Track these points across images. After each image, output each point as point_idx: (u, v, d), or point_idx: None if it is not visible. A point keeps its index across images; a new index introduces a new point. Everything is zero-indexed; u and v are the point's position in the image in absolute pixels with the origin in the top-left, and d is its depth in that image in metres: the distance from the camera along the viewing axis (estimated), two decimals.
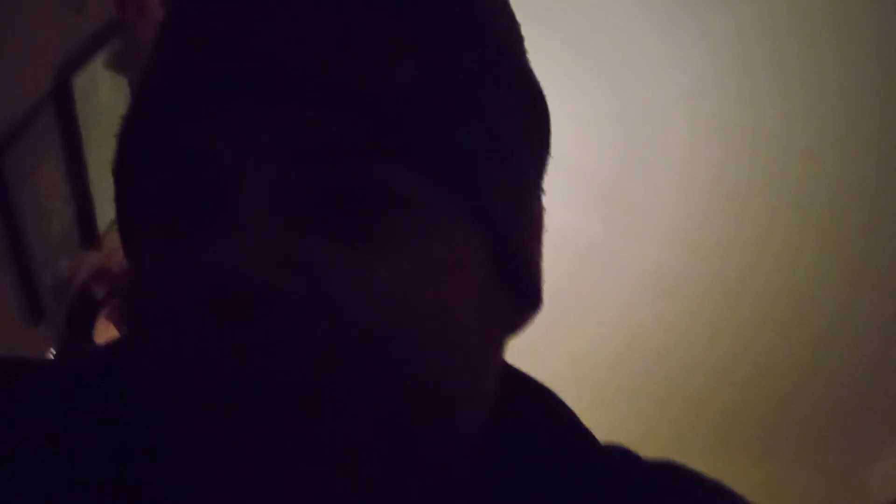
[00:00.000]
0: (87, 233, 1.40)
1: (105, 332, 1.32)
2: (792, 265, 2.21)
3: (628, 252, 2.25)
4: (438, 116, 0.33)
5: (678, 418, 2.37)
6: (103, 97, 1.37)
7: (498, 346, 0.39)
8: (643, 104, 2.10)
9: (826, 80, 1.99)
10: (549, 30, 1.96)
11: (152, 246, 0.34)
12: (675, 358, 2.35)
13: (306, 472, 0.31)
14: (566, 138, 1.96)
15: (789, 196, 2.15)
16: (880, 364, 2.31)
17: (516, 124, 0.37)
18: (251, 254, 0.30)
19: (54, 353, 1.29)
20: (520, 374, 0.44)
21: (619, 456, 0.44)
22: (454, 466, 0.38)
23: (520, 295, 0.39)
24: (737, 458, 2.18)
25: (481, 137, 0.35)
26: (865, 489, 2.37)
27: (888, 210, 2.11)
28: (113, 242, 1.46)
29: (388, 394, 0.32)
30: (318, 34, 0.32)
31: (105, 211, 1.41)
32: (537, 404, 0.44)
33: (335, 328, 0.31)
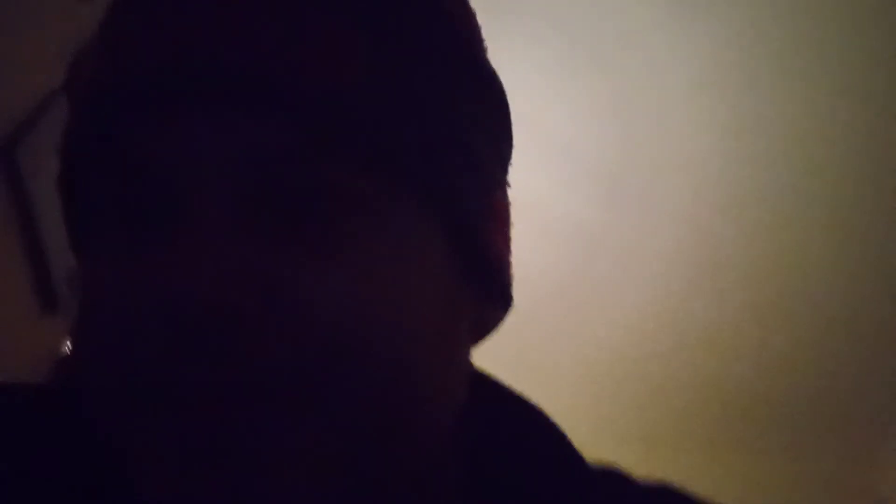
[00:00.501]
0: None
1: None
2: (797, 248, 2.24)
3: (634, 240, 2.27)
4: (391, 112, 0.32)
5: (685, 407, 2.39)
6: None
7: (465, 344, 0.38)
8: (646, 94, 2.10)
9: (828, 70, 2.02)
10: (552, 21, 2.00)
11: (105, 256, 0.33)
12: (682, 346, 2.37)
13: (275, 480, 0.30)
14: (570, 129, 2.02)
15: (794, 185, 2.17)
16: (885, 357, 2.31)
17: (474, 116, 0.36)
18: (205, 269, 0.29)
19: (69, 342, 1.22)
20: (508, 392, 0.43)
21: (613, 478, 0.43)
22: (431, 474, 0.37)
23: (488, 291, 0.38)
24: (741, 451, 2.31)
25: (437, 131, 0.34)
26: (869, 485, 2.40)
27: (891, 198, 2.13)
28: None
29: (354, 397, 0.31)
30: (264, 35, 0.31)
31: None
32: (528, 425, 0.43)
33: (296, 337, 0.30)
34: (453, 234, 0.35)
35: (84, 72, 0.35)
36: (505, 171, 0.40)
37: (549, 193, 2.10)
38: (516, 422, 0.42)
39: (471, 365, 0.39)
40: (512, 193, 0.41)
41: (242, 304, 0.30)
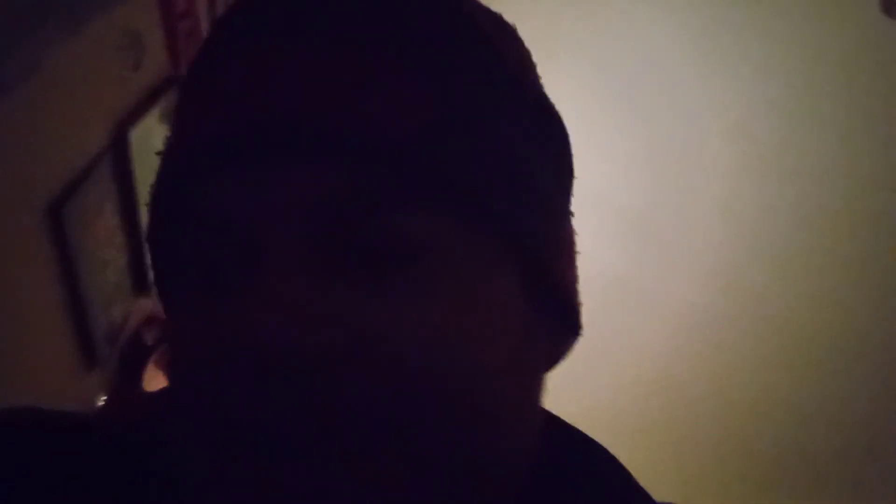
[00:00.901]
0: (139, 280, 1.40)
1: (154, 377, 1.36)
2: (827, 295, 2.02)
3: (658, 288, 2.21)
4: (461, 157, 0.33)
5: (703, 456, 2.26)
6: (156, 149, 1.40)
7: (540, 378, 0.39)
8: (677, 143, 2.06)
9: (865, 114, 1.93)
10: (588, 71, 1.91)
11: (190, 306, 0.35)
12: (701, 395, 2.27)
13: None
14: (600, 175, 2.01)
15: (822, 238, 1.99)
16: None
17: (538, 151, 0.38)
18: (283, 313, 0.30)
19: (105, 398, 1.35)
20: (570, 428, 0.44)
21: None
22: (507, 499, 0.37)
23: (560, 320, 0.39)
24: (764, 496, 2.16)
25: (505, 168, 0.35)
26: None
27: None
28: None
29: (443, 438, 0.32)
30: (337, 91, 0.32)
31: None
32: (592, 462, 0.44)
33: (382, 380, 0.31)
34: (528, 271, 0.36)
35: (175, 128, 0.37)
36: (569, 201, 0.41)
37: (579, 241, 1.91)
38: (584, 460, 0.43)
39: (543, 398, 0.39)
40: None
41: (330, 347, 0.30)
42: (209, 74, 0.36)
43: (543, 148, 0.39)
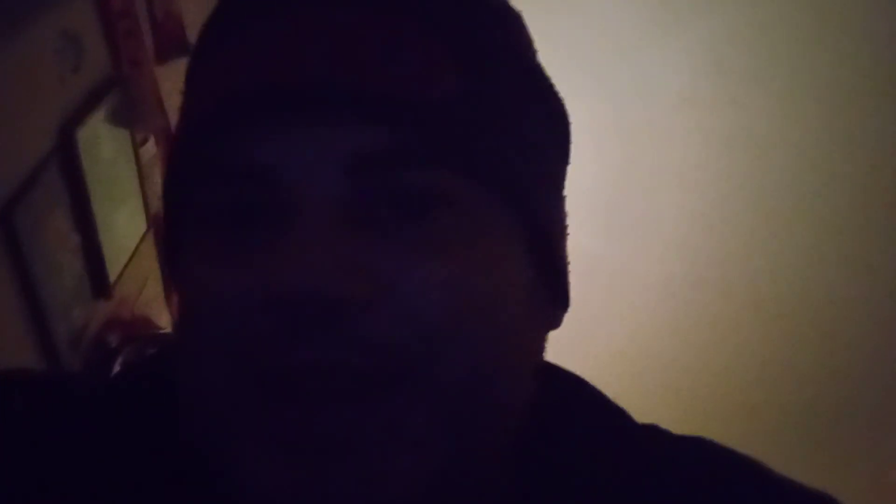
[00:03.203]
0: (99, 283, 1.37)
1: None
2: (794, 267, 2.03)
3: (632, 264, 2.22)
4: (480, 123, 0.36)
5: (687, 430, 2.14)
6: (105, 150, 1.37)
7: (541, 342, 0.42)
8: (637, 114, 2.06)
9: (817, 78, 1.93)
10: (543, 45, 1.98)
11: (212, 259, 0.36)
12: (682, 369, 2.30)
13: (378, 453, 0.33)
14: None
15: (788, 197, 2.00)
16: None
17: (546, 131, 0.41)
18: (319, 261, 0.32)
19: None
20: (551, 365, 0.46)
21: (656, 432, 0.47)
22: (502, 451, 0.40)
23: (556, 293, 0.42)
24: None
25: (520, 141, 0.37)
26: (872, 479, 2.10)
27: (889, 207, 2.00)
28: (123, 292, 1.46)
29: (448, 383, 0.34)
30: (370, 52, 0.34)
31: (114, 261, 1.42)
32: (571, 388, 0.47)
33: (399, 324, 0.33)
34: (533, 239, 0.39)
35: (199, 87, 0.39)
36: (564, 185, 0.44)
37: None
38: (556, 384, 0.46)
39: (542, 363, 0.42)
40: None
41: (352, 291, 0.32)
42: (238, 35, 0.37)
43: (550, 127, 0.42)
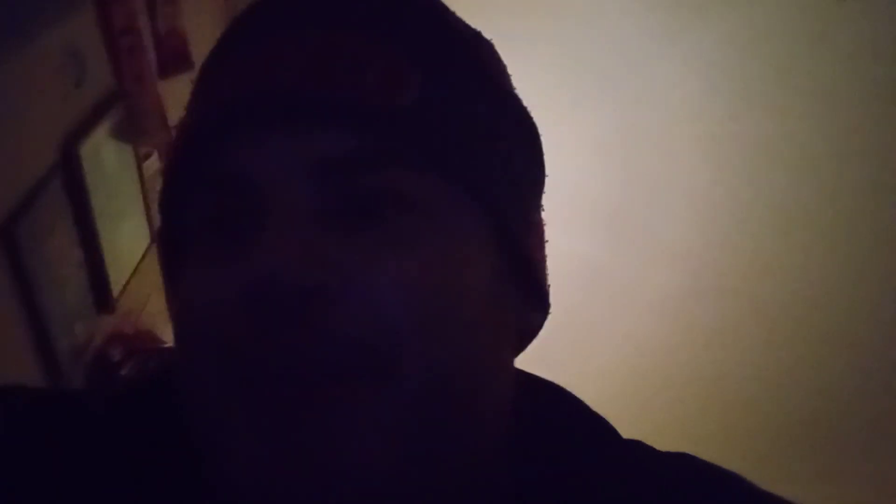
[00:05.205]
0: (101, 297, 1.37)
1: None
2: (797, 278, 2.03)
3: (637, 274, 2.22)
4: (443, 130, 0.38)
5: (687, 439, 1.85)
6: (109, 164, 1.38)
7: (510, 337, 0.42)
8: (642, 125, 2.06)
9: (822, 88, 1.94)
10: (550, 55, 1.90)
11: (200, 266, 0.38)
12: (687, 378, 2.29)
13: (350, 445, 0.34)
14: (569, 168, 2.01)
15: (793, 208, 2.01)
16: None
17: (516, 143, 0.43)
18: (287, 256, 0.34)
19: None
20: (535, 378, 0.48)
21: (638, 448, 0.47)
22: (489, 455, 0.41)
23: (528, 293, 0.44)
24: (749, 473, 2.17)
25: (485, 148, 0.40)
26: (870, 481, 2.11)
27: (890, 218, 2.00)
28: (126, 306, 1.46)
29: (413, 377, 0.35)
30: (338, 66, 0.37)
31: (117, 275, 1.42)
32: (557, 401, 0.48)
33: (364, 319, 0.35)
34: (500, 239, 0.40)
35: (189, 105, 0.42)
36: (539, 195, 0.45)
37: (553, 235, 1.89)
38: (543, 398, 0.47)
39: (517, 372, 0.44)
40: None
41: (323, 282, 0.34)
42: (226, 58, 0.41)
43: (520, 140, 0.44)
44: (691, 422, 2.31)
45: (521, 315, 0.44)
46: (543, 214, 0.46)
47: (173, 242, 0.43)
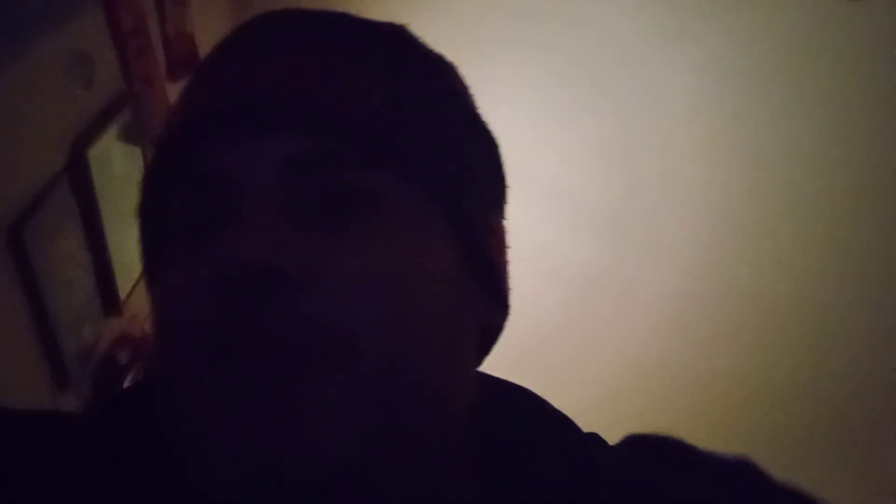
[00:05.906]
0: (109, 300, 1.38)
1: None
2: (799, 281, 2.04)
3: (637, 278, 2.23)
4: (404, 134, 0.41)
5: (696, 441, 1.89)
6: (117, 167, 1.37)
7: (470, 329, 0.45)
8: (643, 128, 2.07)
9: (823, 92, 1.94)
10: (551, 65, 1.90)
11: (176, 262, 0.41)
12: (688, 381, 2.30)
13: (315, 424, 0.36)
14: (571, 171, 2.13)
15: (795, 212, 2.02)
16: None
17: (470, 149, 0.46)
18: (255, 241, 0.37)
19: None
20: (499, 380, 0.51)
21: (596, 439, 0.49)
22: (451, 443, 0.43)
23: (490, 293, 0.46)
24: None
25: (445, 152, 0.43)
26: (871, 483, 2.13)
27: (889, 221, 2.01)
28: (134, 308, 1.46)
29: (372, 362, 0.37)
30: (308, 78, 0.41)
31: (125, 277, 1.42)
32: (519, 401, 0.50)
33: (329, 306, 0.37)
34: (459, 236, 0.43)
35: (174, 114, 0.45)
36: (501, 203, 0.49)
37: (556, 239, 1.91)
38: (506, 396, 0.50)
39: (479, 374, 0.46)
40: (521, 240, 0.49)
41: (287, 267, 0.37)
42: (209, 72, 0.45)
43: (476, 148, 0.47)
44: (692, 423, 2.22)
45: (482, 310, 0.46)
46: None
47: (152, 247, 0.45)
